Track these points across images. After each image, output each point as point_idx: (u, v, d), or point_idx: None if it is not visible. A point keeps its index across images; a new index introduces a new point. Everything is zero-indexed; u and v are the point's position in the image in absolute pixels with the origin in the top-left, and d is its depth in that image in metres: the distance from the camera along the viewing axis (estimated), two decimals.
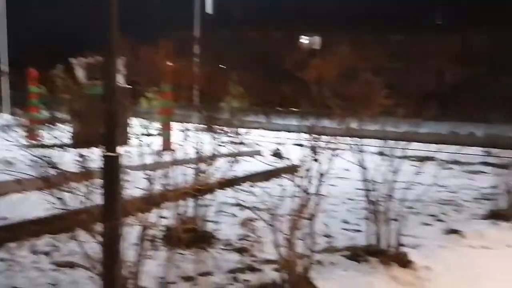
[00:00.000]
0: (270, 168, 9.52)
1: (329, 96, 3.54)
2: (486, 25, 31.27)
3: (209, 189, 6.58)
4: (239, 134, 12.10)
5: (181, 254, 4.53)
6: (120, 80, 10.25)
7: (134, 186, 3.75)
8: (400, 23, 29.05)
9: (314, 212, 3.87)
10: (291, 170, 9.94)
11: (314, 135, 4.10)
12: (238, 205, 6.59)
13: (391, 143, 4.95)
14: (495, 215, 6.24)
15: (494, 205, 6.45)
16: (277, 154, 11.13)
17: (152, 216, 4.73)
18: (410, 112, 4.67)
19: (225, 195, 7.20)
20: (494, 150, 7.81)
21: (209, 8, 13.26)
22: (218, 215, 6.05)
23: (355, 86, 3.50)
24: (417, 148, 7.76)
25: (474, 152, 11.84)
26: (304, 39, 39.44)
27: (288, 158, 10.11)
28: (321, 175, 3.85)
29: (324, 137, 4.31)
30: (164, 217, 5.25)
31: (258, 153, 10.79)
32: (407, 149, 5.13)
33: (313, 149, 3.81)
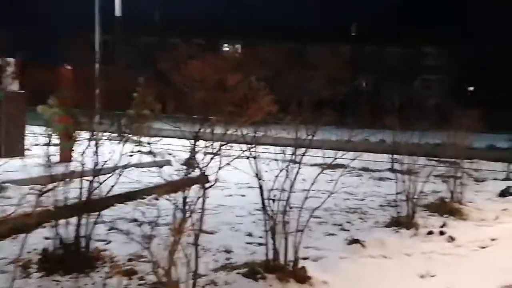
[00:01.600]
0: (178, 178, 9.11)
1: (207, 100, 3.27)
2: (398, 39, 33.14)
3: (106, 204, 6.05)
4: (148, 143, 11.52)
5: (57, 281, 4.01)
6: (12, 84, 9.34)
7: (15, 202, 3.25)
8: (317, 34, 29.91)
9: (199, 227, 3.54)
10: (201, 180, 9.51)
11: (203, 142, 3.82)
12: (135, 220, 6.13)
13: (294, 150, 4.78)
14: (396, 223, 6.32)
15: (396, 212, 6.53)
16: (188, 164, 10.71)
17: (32, 236, 4.20)
18: (309, 118, 4.54)
19: (124, 209, 6.72)
20: (399, 157, 8.02)
21: (118, 11, 12.52)
22: (111, 233, 5.55)
23: (236, 92, 3.25)
24: (316, 155, 7.70)
25: (381, 159, 12.22)
26: (226, 47, 39.53)
27: (200, 168, 9.71)
28: (205, 189, 3.53)
29: (216, 144, 4.05)
30: (47, 238, 4.74)
31: (168, 163, 10.31)
32: (313, 156, 5.06)
33: (193, 156, 3.50)
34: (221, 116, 3.53)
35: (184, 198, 3.48)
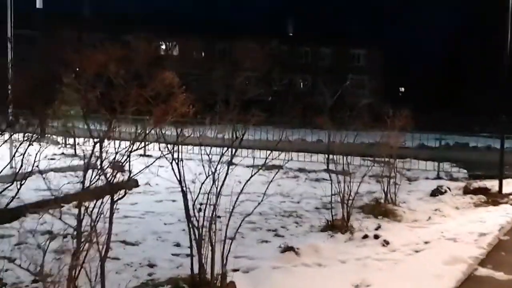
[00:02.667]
0: (104, 183, 8.47)
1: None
2: (331, 39, 33.74)
3: (13, 214, 5.41)
4: (73, 145, 10.67)
5: None
6: None
7: None
8: (252, 33, 29.69)
9: (107, 242, 3.11)
10: (130, 185, 8.75)
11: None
12: (49, 232, 5.50)
13: (224, 150, 4.43)
14: (331, 227, 6.12)
15: (331, 215, 6.32)
16: (117, 167, 10.08)
17: None
18: (238, 118, 4.24)
19: (38, 220, 6.04)
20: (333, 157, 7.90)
21: (38, 3, 11.48)
22: (18, 248, 4.91)
23: (148, 89, 2.84)
24: (252, 156, 7.38)
25: (318, 160, 12.15)
26: (162, 44, 38.52)
27: (130, 171, 9.02)
28: (113, 200, 3.09)
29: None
30: None
31: (95, 166, 9.60)
32: (249, 157, 4.77)
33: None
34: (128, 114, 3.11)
35: (80, 210, 3.02)
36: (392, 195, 7.74)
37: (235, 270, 4.52)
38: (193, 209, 4.06)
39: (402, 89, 38.76)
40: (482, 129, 16.58)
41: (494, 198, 7.89)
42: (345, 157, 7.09)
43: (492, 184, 8.54)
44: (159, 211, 7.06)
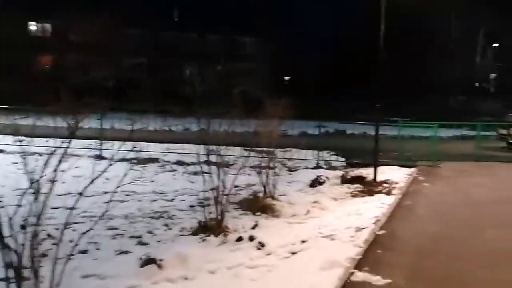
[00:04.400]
0: None
1: None
2: (217, 26, 33.20)
3: None
4: None
5: None
6: None
7: None
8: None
9: None
10: None
11: None
12: None
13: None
14: (204, 228, 5.49)
15: (205, 215, 5.68)
16: None
17: None
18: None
19: None
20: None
21: None
22: None
23: None
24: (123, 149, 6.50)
25: (200, 151, 11.44)
26: (33, 25, 34.70)
27: None
28: None
29: None
30: None
31: None
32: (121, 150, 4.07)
33: None
34: None
35: None
36: (272, 188, 7.33)
37: None
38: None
39: (287, 78, 39.49)
40: (359, 116, 17.18)
41: (370, 187, 7.88)
42: (224, 148, 6.54)
43: (367, 172, 8.58)
44: None
